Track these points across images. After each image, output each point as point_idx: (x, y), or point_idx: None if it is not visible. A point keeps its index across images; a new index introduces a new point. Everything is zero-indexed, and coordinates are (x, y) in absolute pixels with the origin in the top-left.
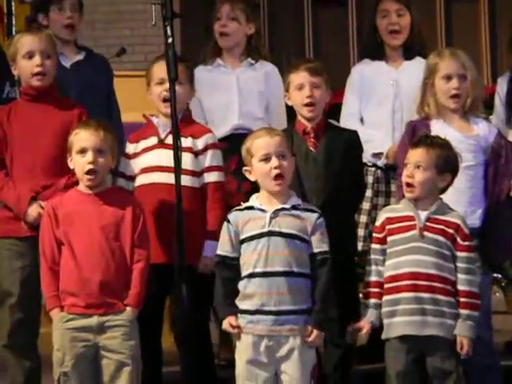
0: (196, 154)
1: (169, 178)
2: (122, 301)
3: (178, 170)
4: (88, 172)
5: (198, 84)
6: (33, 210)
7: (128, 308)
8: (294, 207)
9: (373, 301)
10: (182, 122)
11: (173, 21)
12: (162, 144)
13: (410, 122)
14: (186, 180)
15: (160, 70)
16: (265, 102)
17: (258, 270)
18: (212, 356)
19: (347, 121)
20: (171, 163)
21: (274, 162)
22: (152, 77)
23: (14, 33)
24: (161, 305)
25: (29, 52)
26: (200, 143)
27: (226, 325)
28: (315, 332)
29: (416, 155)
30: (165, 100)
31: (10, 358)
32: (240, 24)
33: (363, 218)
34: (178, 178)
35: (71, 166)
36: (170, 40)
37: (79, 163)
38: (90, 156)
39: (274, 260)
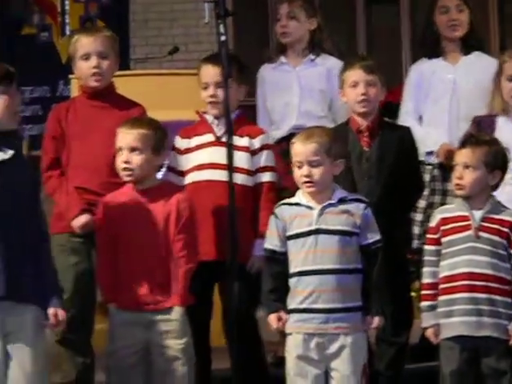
0: (252, 153)
1: (224, 176)
2: (172, 297)
3: (231, 168)
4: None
5: (263, 83)
6: (78, 221)
7: (177, 304)
8: (340, 201)
9: (427, 303)
10: (238, 121)
11: (226, 19)
12: (218, 142)
13: (476, 117)
14: (240, 178)
15: (204, 73)
16: (327, 100)
17: (307, 268)
18: (263, 352)
19: (404, 120)
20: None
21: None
22: (199, 80)
23: (67, 32)
24: (209, 301)
25: (85, 54)
26: (257, 143)
27: (271, 320)
28: (377, 319)
29: (463, 156)
30: (210, 103)
31: (62, 354)
32: (299, 22)
33: (418, 216)
34: (231, 177)
35: (118, 165)
36: (223, 38)
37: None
38: (126, 155)
39: (323, 258)
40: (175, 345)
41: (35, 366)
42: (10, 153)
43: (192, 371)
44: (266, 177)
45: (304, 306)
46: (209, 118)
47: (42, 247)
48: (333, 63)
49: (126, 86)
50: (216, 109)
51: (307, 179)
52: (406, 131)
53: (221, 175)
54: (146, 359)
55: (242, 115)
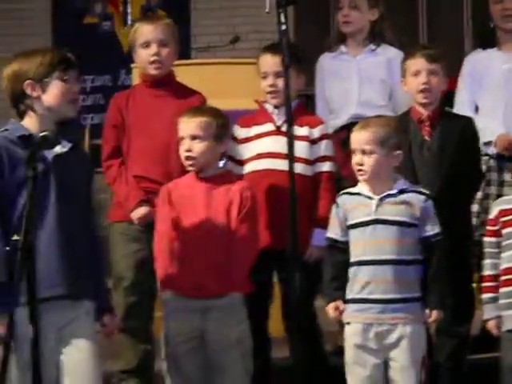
0: (311, 142)
1: (283, 165)
2: (230, 284)
3: (291, 157)
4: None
5: (322, 72)
6: (138, 212)
7: (236, 291)
8: (401, 191)
9: (489, 295)
10: (297, 110)
11: (287, 8)
12: (278, 131)
13: None
14: (299, 168)
15: (263, 63)
16: (387, 90)
17: (365, 258)
18: (322, 341)
19: (458, 111)
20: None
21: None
22: (258, 70)
23: (129, 21)
24: (268, 290)
25: (146, 41)
26: (316, 133)
27: (330, 309)
28: (435, 313)
29: None
30: (269, 93)
31: (123, 341)
32: (361, 12)
33: (475, 207)
34: (291, 166)
35: (181, 154)
36: (283, 27)
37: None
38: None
39: (381, 248)
40: (231, 333)
41: (92, 364)
42: (68, 145)
43: (249, 360)
44: (325, 167)
45: (361, 295)
46: (268, 107)
47: (95, 241)
48: (393, 53)
49: (187, 74)
50: (275, 98)
51: (359, 167)
52: (468, 121)
53: (280, 164)
54: (202, 346)
55: (301, 105)
